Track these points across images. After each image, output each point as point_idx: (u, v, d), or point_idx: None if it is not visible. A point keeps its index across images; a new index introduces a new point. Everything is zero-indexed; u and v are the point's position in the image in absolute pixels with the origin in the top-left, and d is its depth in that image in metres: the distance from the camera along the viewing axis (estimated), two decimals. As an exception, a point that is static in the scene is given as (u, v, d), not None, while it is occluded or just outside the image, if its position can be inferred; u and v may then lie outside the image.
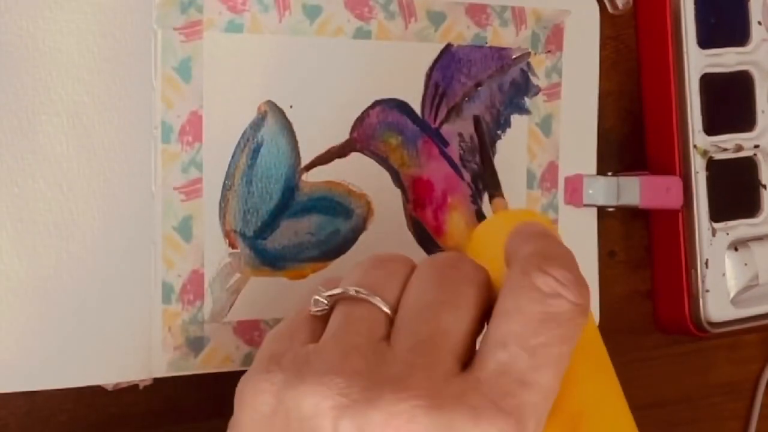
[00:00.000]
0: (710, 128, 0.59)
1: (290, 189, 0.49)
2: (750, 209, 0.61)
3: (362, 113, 0.51)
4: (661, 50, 0.59)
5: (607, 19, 0.58)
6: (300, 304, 0.37)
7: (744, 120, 0.61)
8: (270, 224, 0.49)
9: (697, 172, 0.58)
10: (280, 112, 0.49)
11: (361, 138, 0.51)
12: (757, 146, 0.61)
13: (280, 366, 0.33)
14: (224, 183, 0.48)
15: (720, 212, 0.59)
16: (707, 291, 0.59)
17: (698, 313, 0.59)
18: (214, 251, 0.48)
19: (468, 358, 0.32)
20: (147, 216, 0.46)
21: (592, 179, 0.57)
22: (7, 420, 0.45)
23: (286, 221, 0.49)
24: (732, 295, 0.60)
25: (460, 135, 0.54)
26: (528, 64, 0.55)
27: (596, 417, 0.34)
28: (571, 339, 0.32)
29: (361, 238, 0.51)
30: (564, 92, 0.56)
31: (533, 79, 0.55)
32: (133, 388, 0.47)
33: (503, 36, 0.54)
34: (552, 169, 0.56)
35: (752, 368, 0.66)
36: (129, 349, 0.46)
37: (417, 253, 0.52)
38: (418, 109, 0.52)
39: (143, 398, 0.48)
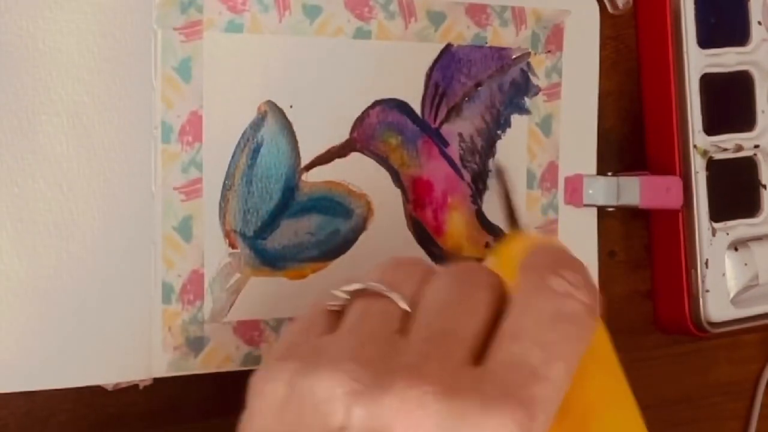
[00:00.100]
0: (710, 128, 0.59)
1: (290, 189, 0.49)
2: (750, 209, 0.61)
3: (362, 113, 0.51)
4: (661, 50, 0.59)
5: (607, 19, 0.58)
6: (318, 300, 0.37)
7: (744, 120, 0.61)
8: (270, 224, 0.49)
9: (697, 172, 0.58)
10: (280, 112, 0.49)
11: (361, 138, 0.51)
12: (757, 146, 0.61)
13: (294, 355, 0.33)
14: (224, 183, 0.48)
15: (720, 212, 0.59)
16: (707, 291, 0.59)
17: (698, 313, 0.59)
18: (214, 251, 0.48)
19: (480, 355, 0.33)
20: (147, 216, 0.46)
21: (592, 179, 0.57)
22: (7, 420, 0.45)
23: (286, 221, 0.49)
24: (732, 295, 0.60)
25: (460, 135, 0.54)
26: (528, 64, 0.55)
27: (605, 418, 0.35)
28: (582, 338, 0.33)
29: (361, 238, 0.51)
30: (564, 92, 0.56)
31: (533, 79, 0.55)
32: (133, 388, 0.47)
33: (503, 36, 0.54)
34: (552, 169, 0.56)
35: (752, 368, 0.66)
36: (129, 349, 0.46)
37: (417, 253, 0.52)
38: (418, 109, 0.52)
39: (143, 398, 0.48)
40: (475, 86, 0.54)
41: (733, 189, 0.61)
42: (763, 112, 0.61)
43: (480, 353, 0.33)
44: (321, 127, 0.50)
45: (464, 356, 0.32)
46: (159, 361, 0.46)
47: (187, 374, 0.47)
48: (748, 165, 0.61)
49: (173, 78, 0.46)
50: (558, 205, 0.56)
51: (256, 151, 0.48)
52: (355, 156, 0.51)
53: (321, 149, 0.50)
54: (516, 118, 0.55)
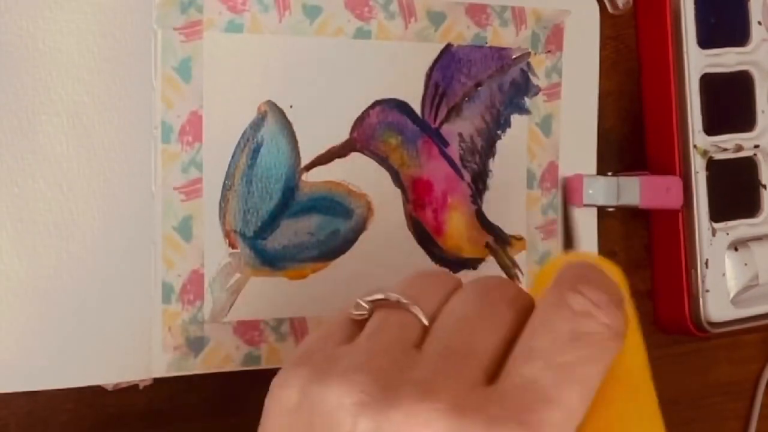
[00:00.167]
0: (710, 128, 0.59)
1: (290, 189, 0.49)
2: (750, 209, 0.61)
3: (362, 113, 0.51)
4: (661, 50, 0.59)
5: (607, 19, 0.58)
6: (342, 308, 0.37)
7: (744, 120, 0.61)
8: (270, 224, 0.49)
9: (697, 172, 0.58)
10: (280, 112, 0.49)
11: (361, 138, 0.51)
12: (757, 146, 0.61)
13: (310, 361, 0.33)
14: (224, 183, 0.48)
15: (720, 212, 0.59)
16: (707, 291, 0.59)
17: (698, 313, 0.59)
18: (214, 251, 0.48)
19: (496, 374, 0.32)
20: (147, 216, 0.46)
21: (592, 179, 0.57)
22: (8, 420, 0.45)
23: (286, 221, 0.49)
24: (732, 295, 0.60)
25: (460, 135, 0.54)
26: (528, 64, 0.55)
27: None
28: (600, 361, 0.32)
29: (361, 238, 0.51)
30: (564, 92, 0.56)
31: (533, 79, 0.55)
32: (133, 388, 0.47)
33: (503, 36, 0.54)
34: (552, 169, 0.56)
35: (752, 368, 0.66)
36: (129, 349, 0.46)
37: (417, 253, 0.52)
38: (418, 109, 0.52)
39: (143, 398, 0.48)
40: (475, 86, 0.54)
41: (733, 189, 0.61)
42: (763, 112, 0.61)
43: (496, 372, 0.32)
44: (321, 127, 0.50)
45: (477, 375, 0.31)
46: (159, 361, 0.46)
47: (187, 374, 0.47)
48: (748, 165, 0.61)
49: (173, 78, 0.46)
50: (558, 205, 0.56)
51: (256, 151, 0.48)
52: (355, 156, 0.51)
53: (321, 149, 0.50)
54: (516, 118, 0.55)
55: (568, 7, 0.56)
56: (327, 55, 0.50)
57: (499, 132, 0.55)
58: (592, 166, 0.58)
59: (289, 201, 0.49)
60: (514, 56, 0.55)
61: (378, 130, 0.51)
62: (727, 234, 0.60)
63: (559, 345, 0.31)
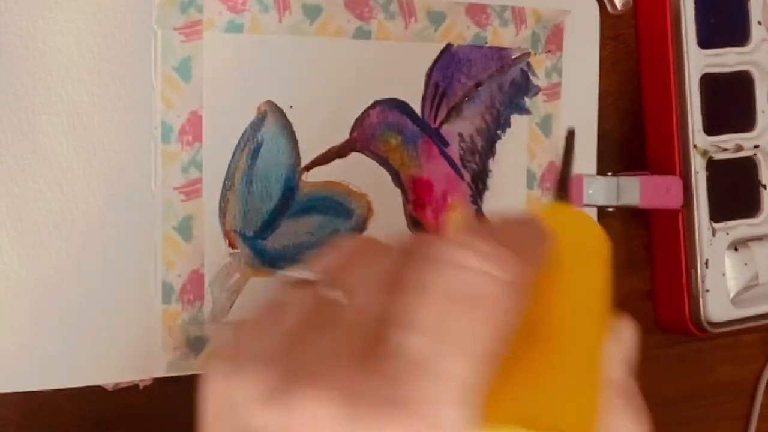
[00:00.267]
0: (710, 128, 0.59)
1: (290, 189, 0.49)
2: (750, 209, 0.61)
3: (362, 113, 0.51)
4: (661, 50, 0.59)
5: (607, 19, 0.58)
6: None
7: (744, 120, 0.61)
8: (270, 224, 0.49)
9: (697, 172, 0.58)
10: (280, 112, 0.49)
11: (361, 138, 0.51)
12: (757, 146, 0.61)
13: (220, 353, 0.32)
14: (224, 183, 0.48)
15: (720, 212, 0.59)
16: (707, 291, 0.59)
17: (698, 313, 0.59)
18: (214, 251, 0.48)
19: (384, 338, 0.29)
20: (147, 216, 0.46)
21: (592, 179, 0.57)
22: (8, 420, 0.45)
23: (286, 221, 0.49)
24: (732, 295, 0.60)
25: (460, 135, 0.54)
26: (528, 64, 0.55)
27: (573, 341, 0.30)
28: (491, 321, 0.28)
29: (361, 238, 0.51)
30: (564, 92, 0.56)
31: (533, 79, 0.55)
32: (133, 388, 0.47)
33: (503, 36, 0.54)
34: (552, 169, 0.56)
35: (752, 368, 0.66)
36: (129, 349, 0.46)
37: (417, 253, 0.52)
38: (418, 109, 0.52)
39: (143, 398, 0.48)
40: (475, 86, 0.54)
41: (733, 189, 0.61)
42: (763, 112, 0.61)
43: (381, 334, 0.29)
44: (321, 127, 0.50)
45: (362, 347, 0.28)
46: (159, 361, 0.46)
47: (187, 374, 0.47)
48: (748, 165, 0.61)
49: (173, 78, 0.46)
50: (558, 205, 0.56)
51: (256, 151, 0.48)
52: (355, 156, 0.51)
53: (321, 149, 0.50)
54: (516, 118, 0.55)
55: (568, 7, 0.56)
56: (327, 55, 0.50)
57: (499, 132, 0.55)
58: (592, 166, 0.58)
59: (289, 201, 0.49)
60: (514, 56, 0.55)
61: (378, 130, 0.51)
62: (727, 234, 0.60)
63: (437, 308, 0.28)
